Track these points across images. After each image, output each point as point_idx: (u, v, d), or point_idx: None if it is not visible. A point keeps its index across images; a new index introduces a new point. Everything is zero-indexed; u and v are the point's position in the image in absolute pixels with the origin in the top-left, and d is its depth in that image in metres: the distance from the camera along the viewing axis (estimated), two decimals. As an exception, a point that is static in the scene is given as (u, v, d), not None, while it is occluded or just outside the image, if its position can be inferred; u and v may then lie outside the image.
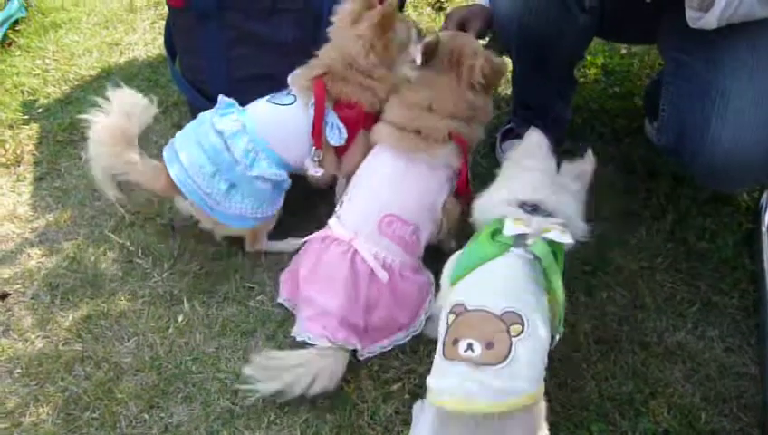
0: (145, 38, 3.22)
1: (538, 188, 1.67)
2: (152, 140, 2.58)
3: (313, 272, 1.86)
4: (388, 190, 1.90)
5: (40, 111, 2.78)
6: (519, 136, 2.43)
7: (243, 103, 2.27)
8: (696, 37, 1.77)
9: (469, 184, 1.99)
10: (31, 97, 2.85)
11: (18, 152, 2.55)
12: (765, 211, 2.17)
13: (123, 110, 2.00)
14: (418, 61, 1.97)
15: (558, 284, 1.54)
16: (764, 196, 2.20)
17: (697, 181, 2.12)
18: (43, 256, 2.17)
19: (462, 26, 2.22)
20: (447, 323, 1.51)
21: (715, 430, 1.73)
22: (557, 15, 1.95)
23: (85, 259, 2.14)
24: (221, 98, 2.05)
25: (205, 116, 2.04)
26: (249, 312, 1.98)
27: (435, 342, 1.54)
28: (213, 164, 1.95)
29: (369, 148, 2.02)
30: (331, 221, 1.92)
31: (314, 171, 2.04)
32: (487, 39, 2.53)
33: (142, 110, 2.04)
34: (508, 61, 2.75)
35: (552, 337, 1.56)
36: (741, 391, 1.81)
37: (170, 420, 1.75)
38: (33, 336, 1.94)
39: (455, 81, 1.94)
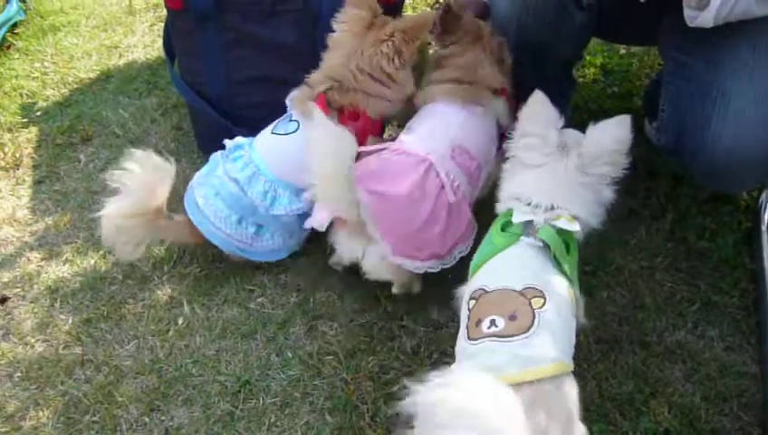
0: (144, 40, 3.22)
1: (537, 188, 1.64)
2: (151, 142, 2.59)
3: (380, 170, 1.83)
4: (456, 127, 1.94)
5: (39, 114, 2.78)
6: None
7: (242, 106, 2.29)
8: (695, 37, 1.77)
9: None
10: (30, 100, 2.86)
11: (17, 155, 2.56)
12: (765, 210, 2.17)
13: (148, 181, 1.94)
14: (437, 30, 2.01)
15: (571, 269, 1.56)
16: (764, 195, 2.20)
17: (698, 181, 2.11)
18: (42, 259, 2.17)
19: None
20: (468, 308, 1.52)
21: (715, 430, 1.73)
22: (555, 14, 1.95)
23: (85, 263, 2.14)
24: (228, 142, 2.06)
25: (217, 159, 2.04)
26: (249, 314, 1.98)
27: (436, 343, 1.54)
28: (236, 212, 1.97)
29: None
30: (404, 137, 1.93)
31: None
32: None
33: (166, 175, 1.99)
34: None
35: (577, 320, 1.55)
36: (741, 390, 1.80)
37: (171, 423, 1.75)
38: (32, 340, 1.95)
39: (484, 54, 2.04)
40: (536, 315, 1.42)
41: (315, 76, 2.02)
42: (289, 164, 1.98)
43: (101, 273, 2.10)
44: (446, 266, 1.87)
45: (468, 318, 1.49)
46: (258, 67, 2.24)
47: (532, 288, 1.46)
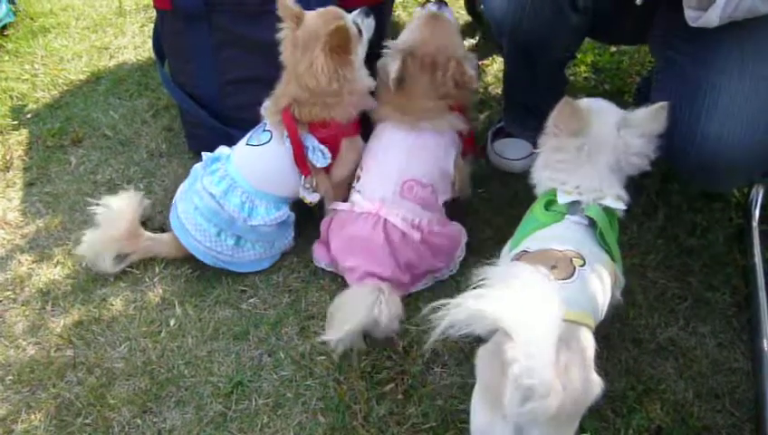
0: (134, 41, 3.21)
1: (581, 176, 1.68)
2: (142, 144, 2.58)
3: (349, 245, 1.95)
4: (403, 158, 1.99)
5: (29, 116, 2.77)
6: (510, 135, 2.44)
7: (232, 106, 2.28)
8: (685, 35, 1.77)
9: (475, 143, 2.19)
10: (20, 102, 2.85)
11: (8, 158, 2.55)
12: (755, 206, 2.18)
13: (119, 210, 2.06)
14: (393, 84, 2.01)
15: (614, 245, 1.62)
16: (753, 191, 2.21)
17: (690, 180, 2.12)
18: (33, 262, 2.16)
19: None
20: None
21: (707, 426, 1.73)
22: (550, 16, 1.95)
23: (76, 265, 2.13)
24: (204, 155, 2.07)
25: (196, 171, 2.06)
26: (241, 315, 1.98)
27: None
28: (215, 225, 1.98)
29: (355, 155, 2.07)
30: (354, 197, 2.00)
31: (311, 198, 2.06)
32: (476, 39, 2.54)
33: (138, 204, 2.13)
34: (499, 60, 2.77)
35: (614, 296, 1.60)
36: (733, 387, 1.81)
37: (163, 425, 1.75)
38: (24, 343, 1.94)
39: (432, 82, 2.03)
40: (577, 270, 1.47)
41: (278, 88, 2.03)
42: (264, 174, 2.01)
43: (93, 275, 2.09)
44: (452, 273, 2.04)
45: None
46: (248, 67, 2.23)
47: (574, 251, 1.52)
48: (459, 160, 2.11)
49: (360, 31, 2.04)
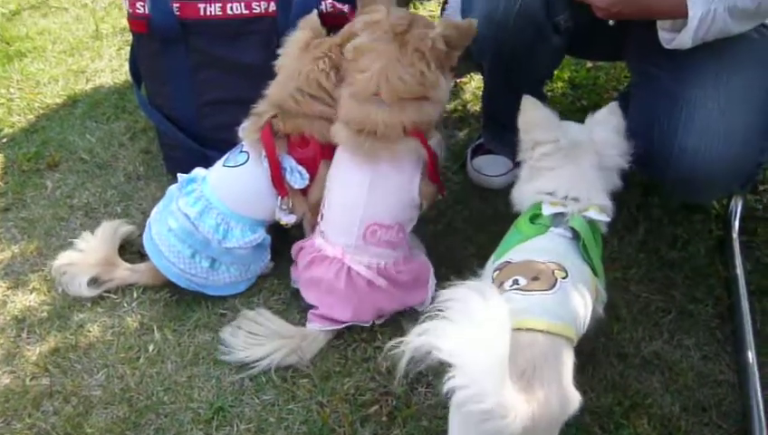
0: (111, 65, 3.18)
1: (564, 181, 1.68)
2: (120, 167, 2.55)
3: (314, 284, 1.92)
4: (363, 202, 1.86)
5: (4, 140, 2.73)
6: (490, 151, 2.44)
7: (210, 127, 2.27)
8: (661, 49, 1.78)
9: (438, 173, 1.96)
10: (-5, 127, 2.81)
11: (-18, 184, 2.51)
12: (735, 218, 2.19)
13: (98, 241, 2.09)
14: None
15: (597, 259, 1.61)
16: (732, 202, 2.22)
17: (668, 194, 2.13)
18: (8, 288, 2.12)
19: None
20: (492, 279, 1.55)
21: (695, 440, 1.73)
22: (531, 39, 1.95)
23: (52, 291, 2.09)
24: (180, 176, 2.05)
25: (172, 193, 2.04)
26: (221, 339, 1.94)
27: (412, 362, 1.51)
28: (189, 246, 1.96)
29: None
30: (318, 241, 1.93)
31: (287, 219, 2.03)
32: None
33: (114, 234, 2.14)
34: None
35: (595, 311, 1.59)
36: (720, 399, 1.80)
37: (143, 454, 1.71)
38: (-1, 372, 1.90)
39: (401, 51, 1.79)
40: (558, 281, 1.46)
41: (260, 105, 2.00)
42: (240, 196, 1.99)
43: (69, 301, 2.05)
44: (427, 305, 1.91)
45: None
46: (226, 89, 2.22)
47: (556, 262, 1.51)
48: (424, 184, 1.93)
49: None
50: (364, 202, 1.86)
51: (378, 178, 1.86)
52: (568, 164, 1.69)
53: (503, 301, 1.20)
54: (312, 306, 1.94)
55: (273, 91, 2.00)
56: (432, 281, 1.99)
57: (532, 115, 1.74)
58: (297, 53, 1.98)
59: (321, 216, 1.95)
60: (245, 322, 1.91)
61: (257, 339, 1.86)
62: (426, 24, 1.89)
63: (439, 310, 1.16)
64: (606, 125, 1.73)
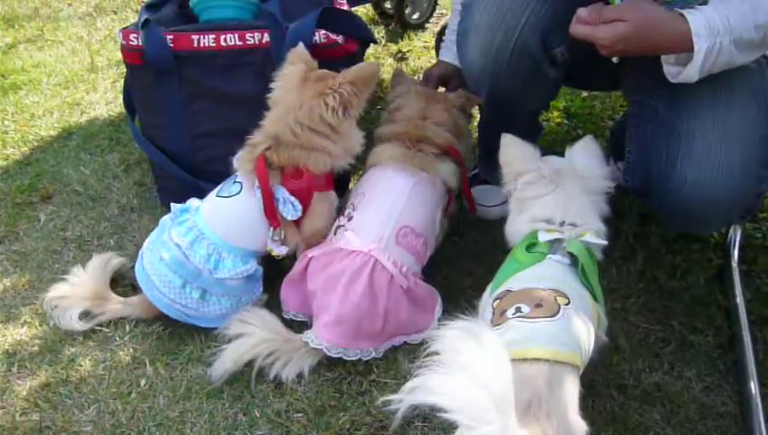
0: (106, 97, 3.20)
1: (556, 207, 1.69)
2: (113, 199, 2.54)
3: (332, 281, 1.88)
4: (403, 204, 1.97)
5: (-2, 173, 2.72)
6: (486, 182, 2.43)
7: (204, 159, 2.26)
8: (657, 79, 1.78)
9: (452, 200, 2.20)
10: (-11, 159, 2.80)
11: (-25, 217, 2.49)
12: (734, 246, 2.17)
13: (90, 274, 2.08)
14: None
15: (596, 283, 1.60)
16: (731, 231, 2.20)
17: (668, 226, 2.11)
18: (0, 322, 2.09)
19: (441, 85, 2.34)
20: (492, 307, 1.53)
21: (698, 474, 1.69)
22: (528, 72, 1.94)
23: (44, 325, 2.06)
24: (173, 205, 2.03)
25: (165, 223, 2.03)
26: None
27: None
28: (180, 276, 1.94)
29: (328, 209, 2.04)
30: (347, 234, 1.94)
31: (278, 251, 2.01)
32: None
33: (105, 267, 2.12)
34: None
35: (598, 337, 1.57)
36: (722, 432, 1.77)
37: (133, 492, 1.67)
38: (-12, 408, 1.86)
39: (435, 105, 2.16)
40: (561, 308, 1.44)
41: (255, 136, 2.00)
42: (233, 226, 1.97)
43: (61, 335, 2.02)
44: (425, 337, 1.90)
45: (493, 315, 1.52)
46: (220, 120, 2.22)
47: (557, 290, 1.50)
48: (444, 217, 2.14)
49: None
50: (404, 204, 1.98)
51: (417, 188, 2.02)
52: (554, 191, 1.70)
53: (495, 337, 1.17)
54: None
55: (269, 122, 1.99)
56: (439, 307, 2.00)
57: (512, 150, 1.78)
58: (295, 85, 1.98)
59: (349, 217, 1.98)
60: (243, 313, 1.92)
61: (247, 328, 1.87)
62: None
63: (432, 355, 1.13)
64: (585, 152, 1.76)
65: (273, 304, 2.07)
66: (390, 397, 1.16)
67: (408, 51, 3.40)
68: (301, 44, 2.02)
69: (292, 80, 1.99)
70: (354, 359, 1.87)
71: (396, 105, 2.20)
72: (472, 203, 2.28)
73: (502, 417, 1.10)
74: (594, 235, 1.65)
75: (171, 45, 2.12)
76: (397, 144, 2.10)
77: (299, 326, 1.99)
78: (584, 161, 1.75)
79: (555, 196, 1.70)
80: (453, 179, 2.15)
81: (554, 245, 1.63)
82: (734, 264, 2.14)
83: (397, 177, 2.04)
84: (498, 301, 1.54)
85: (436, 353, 1.13)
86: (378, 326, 1.88)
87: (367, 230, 1.94)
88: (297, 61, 2.00)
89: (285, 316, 2.02)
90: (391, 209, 1.97)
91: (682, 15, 1.58)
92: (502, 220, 2.29)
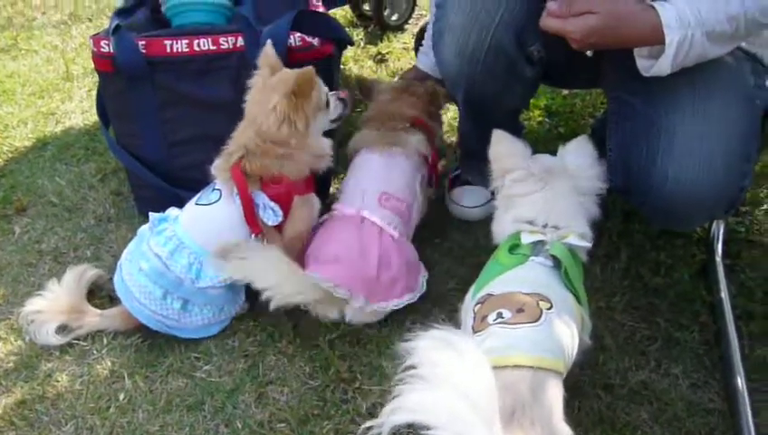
0: (82, 106, 3.15)
1: (542, 208, 1.67)
2: (89, 209, 2.50)
3: (324, 238, 2.00)
4: (379, 176, 2.10)
5: (-28, 186, 2.66)
6: (467, 182, 2.41)
7: (181, 167, 2.22)
8: (636, 76, 1.76)
9: (437, 167, 2.33)
10: (-39, 173, 2.74)
11: (-53, 231, 2.43)
12: (717, 241, 2.16)
13: (65, 287, 2.03)
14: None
15: (580, 286, 1.57)
16: (714, 226, 2.19)
17: (651, 223, 2.09)
18: (-27, 339, 2.04)
19: None
20: (474, 312, 1.51)
21: (687, 473, 1.67)
22: (505, 71, 1.92)
23: (20, 340, 2.01)
24: (152, 215, 2.00)
25: (144, 232, 1.99)
26: (195, 384, 1.87)
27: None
28: (160, 287, 1.90)
29: (309, 212, 2.03)
30: (336, 205, 2.08)
31: None
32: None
33: (81, 280, 2.07)
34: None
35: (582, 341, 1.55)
36: (711, 429, 1.75)
37: (113, 509, 1.63)
38: (-38, 428, 1.81)
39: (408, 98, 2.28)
40: (544, 313, 1.42)
41: (229, 145, 1.97)
42: (213, 234, 1.93)
43: (37, 350, 1.97)
44: (419, 295, 2.02)
45: (474, 320, 1.49)
46: (195, 126, 2.18)
47: (540, 294, 1.47)
48: (423, 183, 2.23)
49: (327, 102, 2.05)
50: (380, 175, 2.11)
51: (391, 163, 2.14)
52: (542, 189, 1.67)
53: (473, 345, 1.15)
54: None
55: (239, 132, 1.97)
56: (423, 272, 2.08)
57: (503, 146, 1.75)
58: (255, 95, 1.96)
59: (338, 199, 2.13)
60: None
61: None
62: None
63: (411, 368, 1.11)
64: (577, 151, 1.73)
65: (258, 313, 2.04)
66: (370, 423, 1.13)
67: (387, 52, 3.37)
68: (268, 45, 1.98)
69: (254, 88, 1.97)
70: (345, 297, 1.90)
71: (372, 103, 2.34)
72: (438, 179, 2.38)
73: (486, 428, 1.08)
74: (578, 237, 1.62)
75: (143, 51, 2.07)
76: (368, 129, 2.24)
77: (286, 337, 1.96)
78: (576, 161, 1.72)
79: (542, 194, 1.68)
80: (425, 147, 2.24)
81: (537, 247, 1.60)
82: (718, 259, 2.13)
83: (370, 156, 2.16)
84: (480, 305, 1.51)
85: (414, 367, 1.10)
86: (372, 273, 1.92)
87: (350, 199, 2.06)
88: (264, 65, 1.97)
89: None
90: (369, 181, 2.09)
91: (653, 8, 1.56)
92: (484, 221, 2.28)
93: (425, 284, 2.05)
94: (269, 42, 1.99)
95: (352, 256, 1.93)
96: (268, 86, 1.94)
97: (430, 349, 1.11)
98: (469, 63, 1.91)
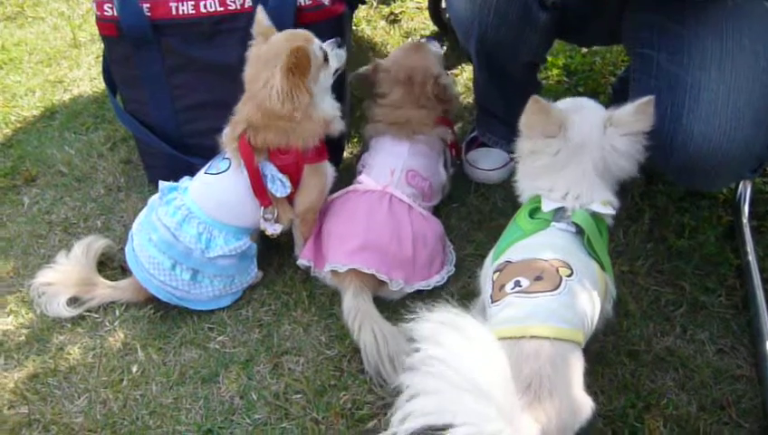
0: (90, 73, 3.09)
1: (566, 180, 1.57)
2: (99, 178, 2.46)
3: (352, 215, 1.95)
4: (406, 154, 2.08)
5: (-20, 157, 2.63)
6: (484, 145, 2.34)
7: (190, 133, 2.17)
8: (660, 30, 1.69)
9: (458, 147, 2.34)
10: (-31, 143, 2.71)
11: (-44, 203, 2.40)
12: (745, 202, 2.09)
13: (74, 259, 1.99)
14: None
15: (604, 254, 1.51)
16: (741, 186, 2.12)
17: (676, 181, 2.02)
18: (-15, 312, 2.02)
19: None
20: (492, 280, 1.46)
21: (715, 441, 1.62)
22: (517, 16, 1.85)
23: (30, 313, 1.99)
24: (161, 184, 1.95)
25: (154, 203, 1.95)
26: (209, 355, 1.84)
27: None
28: (169, 257, 1.86)
29: (321, 181, 1.97)
30: (361, 177, 2.06)
31: (272, 230, 1.94)
32: (444, 47, 2.44)
33: (89, 247, 2.04)
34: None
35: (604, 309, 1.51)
36: (738, 396, 1.70)
37: (129, 483, 1.61)
38: (-25, 402, 1.79)
39: (410, 94, 2.15)
40: (563, 280, 1.37)
41: (236, 114, 1.91)
42: (222, 204, 1.89)
43: (48, 322, 1.95)
44: (453, 266, 2.00)
45: (492, 288, 1.44)
46: (204, 92, 2.12)
47: (560, 260, 1.42)
48: (448, 167, 2.23)
49: (326, 59, 1.93)
50: (406, 154, 2.08)
51: (415, 146, 2.11)
52: (568, 167, 1.56)
53: (480, 327, 1.09)
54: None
55: (242, 104, 1.90)
56: (450, 245, 2.07)
57: (536, 119, 1.58)
58: (251, 67, 1.88)
59: (364, 164, 2.13)
60: None
61: None
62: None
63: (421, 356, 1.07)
64: (623, 127, 1.56)
65: (272, 281, 2.01)
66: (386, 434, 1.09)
67: (400, 12, 3.28)
68: (259, 10, 1.90)
69: (250, 61, 1.90)
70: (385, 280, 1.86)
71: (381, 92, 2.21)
72: (458, 154, 2.35)
73: (505, 413, 1.05)
74: (602, 204, 1.55)
75: (148, 14, 2.00)
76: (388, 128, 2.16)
77: (301, 306, 1.92)
78: (618, 142, 1.56)
79: (568, 171, 1.56)
80: (447, 134, 2.23)
81: (558, 213, 1.54)
82: (745, 220, 2.06)
83: (395, 141, 2.12)
84: (498, 273, 1.46)
85: (424, 355, 1.06)
86: (408, 253, 1.90)
87: (378, 171, 2.05)
88: (257, 33, 1.89)
89: (300, 262, 2.01)
90: (397, 157, 2.07)
91: None
92: (502, 185, 2.23)
93: (453, 253, 2.03)
94: (259, 10, 1.90)
95: (384, 241, 1.89)
96: (261, 58, 1.86)
97: (436, 334, 1.06)
98: (481, 9, 1.85)
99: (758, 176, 2.12)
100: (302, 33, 1.90)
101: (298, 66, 1.79)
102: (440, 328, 1.07)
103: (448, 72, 2.19)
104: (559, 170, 1.56)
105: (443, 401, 1.04)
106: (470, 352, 1.05)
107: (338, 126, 1.97)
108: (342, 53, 2.00)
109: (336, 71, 1.99)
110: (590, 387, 1.65)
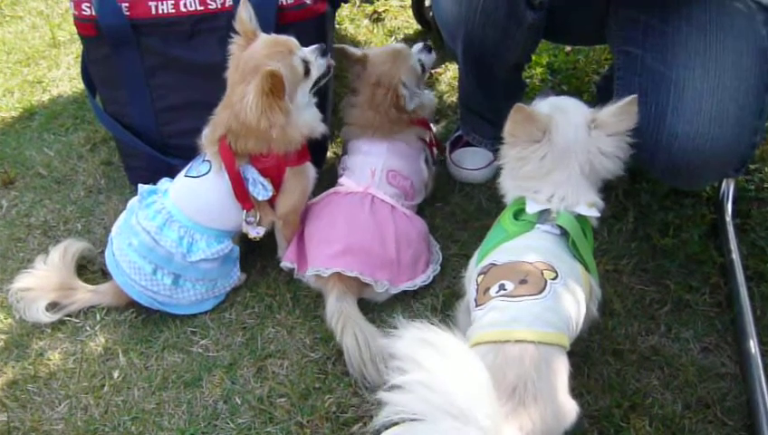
0: (70, 73, 3.05)
1: (551, 182, 1.55)
2: (79, 180, 2.43)
3: (334, 218, 1.94)
4: (385, 154, 2.07)
5: (-44, 159, 2.58)
6: (468, 144, 2.33)
7: (171, 134, 2.14)
8: (644, 29, 1.68)
9: (440, 144, 2.36)
10: (-54, 146, 2.66)
11: (-67, 206, 2.36)
12: (728, 200, 2.09)
13: (53, 264, 1.97)
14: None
15: (588, 255, 1.51)
16: (724, 184, 2.12)
17: (660, 180, 2.02)
18: (-37, 317, 1.99)
19: None
20: (477, 283, 1.45)
21: (700, 439, 1.62)
22: (504, 16, 1.84)
23: (9, 318, 1.96)
24: (141, 187, 1.92)
25: (134, 206, 1.92)
26: (192, 359, 1.82)
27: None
28: (150, 262, 1.84)
29: (303, 183, 1.96)
30: (342, 180, 2.05)
31: (254, 233, 1.92)
32: (427, 43, 2.42)
33: (66, 250, 2.01)
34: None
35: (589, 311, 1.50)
36: (723, 394, 1.70)
37: (111, 490, 1.58)
38: (-47, 409, 1.76)
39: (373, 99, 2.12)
40: (548, 284, 1.36)
41: (216, 116, 1.88)
42: (203, 208, 1.87)
43: (28, 328, 1.92)
44: (439, 265, 2.00)
45: (476, 291, 1.44)
46: (185, 92, 2.09)
47: (544, 262, 1.41)
48: (429, 164, 2.22)
49: (308, 70, 1.90)
50: (386, 154, 2.08)
51: (392, 146, 2.10)
52: (554, 171, 1.54)
53: (454, 340, 1.06)
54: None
55: (221, 108, 1.87)
56: (434, 242, 2.07)
57: (520, 128, 1.55)
58: (232, 74, 1.85)
59: (344, 167, 2.11)
60: None
61: None
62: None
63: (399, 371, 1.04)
64: (608, 127, 1.54)
65: (255, 284, 1.99)
66: None
67: (383, 11, 3.26)
68: (241, 8, 1.85)
69: (231, 61, 1.86)
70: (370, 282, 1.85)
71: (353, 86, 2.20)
72: (439, 149, 2.37)
73: (488, 431, 1.03)
74: (587, 206, 1.54)
75: (127, 13, 1.98)
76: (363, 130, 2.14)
77: (285, 308, 1.90)
78: (602, 143, 1.54)
79: (553, 176, 1.54)
80: (425, 133, 2.21)
81: (543, 215, 1.53)
82: (728, 218, 2.07)
83: (373, 142, 2.10)
84: (482, 276, 1.45)
85: (402, 370, 1.04)
86: (392, 253, 1.89)
87: (359, 173, 2.03)
88: (240, 31, 1.86)
89: (283, 265, 1.99)
90: (377, 158, 2.06)
91: None
92: (487, 184, 2.22)
93: (438, 253, 2.03)
94: (240, 7, 1.85)
95: (366, 244, 1.88)
96: (240, 68, 1.82)
97: (412, 353, 1.04)
98: (468, 8, 1.84)
99: (741, 174, 2.12)
100: (285, 42, 1.86)
101: (272, 89, 1.75)
102: (416, 346, 1.04)
103: (432, 72, 2.18)
104: (545, 174, 1.55)
105: (424, 425, 1.02)
106: (447, 372, 1.03)
107: (320, 129, 1.95)
108: (325, 62, 1.96)
109: (318, 80, 1.95)
110: (576, 388, 1.67)
